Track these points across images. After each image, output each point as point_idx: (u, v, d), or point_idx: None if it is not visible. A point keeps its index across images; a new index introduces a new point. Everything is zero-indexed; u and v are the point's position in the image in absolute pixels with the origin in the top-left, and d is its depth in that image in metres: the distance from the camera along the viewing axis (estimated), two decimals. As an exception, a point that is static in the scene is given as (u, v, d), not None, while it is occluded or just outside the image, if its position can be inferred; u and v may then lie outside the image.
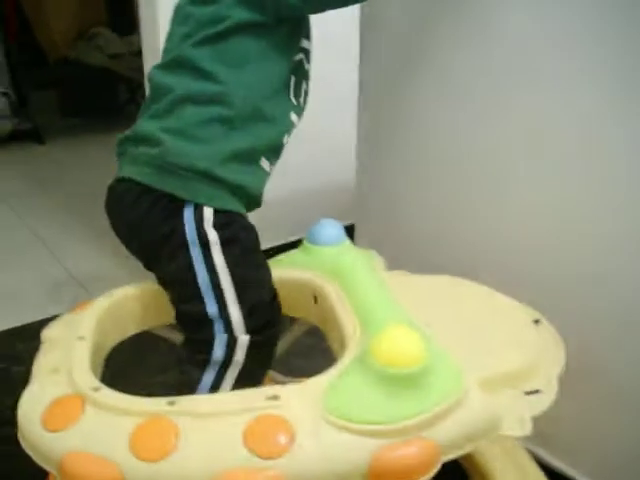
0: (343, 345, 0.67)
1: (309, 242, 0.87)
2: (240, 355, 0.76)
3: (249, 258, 0.79)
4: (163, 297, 0.82)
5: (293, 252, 0.89)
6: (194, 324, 0.78)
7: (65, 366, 0.65)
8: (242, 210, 0.81)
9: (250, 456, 0.54)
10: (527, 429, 0.61)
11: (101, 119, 3.12)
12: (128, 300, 0.82)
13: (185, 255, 0.75)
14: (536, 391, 0.66)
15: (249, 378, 0.77)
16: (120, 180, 0.81)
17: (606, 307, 0.86)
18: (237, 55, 0.78)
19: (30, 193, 2.31)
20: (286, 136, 0.85)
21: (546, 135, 0.86)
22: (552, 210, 0.89)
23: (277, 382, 0.93)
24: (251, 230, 0.82)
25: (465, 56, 0.93)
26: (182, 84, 0.78)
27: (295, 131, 0.87)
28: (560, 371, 0.70)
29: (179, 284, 0.78)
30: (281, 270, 0.84)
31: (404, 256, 0.95)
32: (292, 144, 0.87)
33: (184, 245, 0.75)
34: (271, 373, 0.91)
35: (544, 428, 0.63)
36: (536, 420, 0.62)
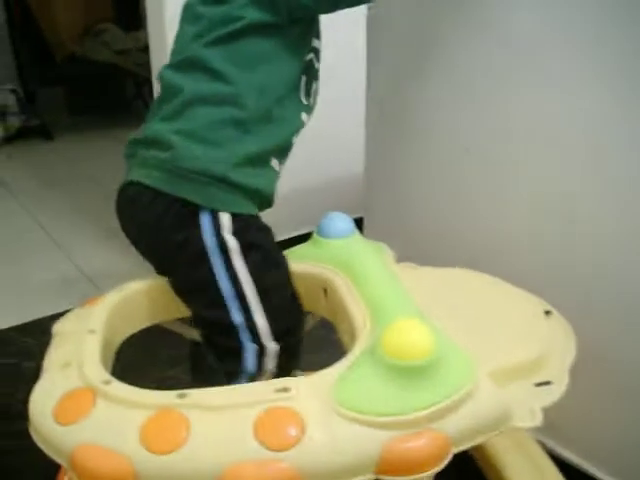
0: (353, 337, 0.67)
1: (319, 235, 0.87)
2: (271, 364, 0.77)
3: (269, 262, 0.79)
4: (173, 292, 0.83)
5: (303, 245, 0.88)
6: (219, 331, 0.78)
7: (76, 360, 0.65)
8: (256, 212, 0.80)
9: (260, 448, 0.53)
10: (538, 420, 0.60)
11: (108, 115, 3.13)
12: (138, 294, 0.82)
13: (206, 264, 0.75)
14: (547, 382, 0.66)
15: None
16: (130, 183, 0.80)
17: (611, 299, 0.86)
18: (249, 56, 0.77)
19: (39, 189, 2.32)
20: (295, 136, 0.84)
21: (552, 131, 0.86)
22: (558, 204, 0.88)
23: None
24: (267, 231, 0.81)
25: (471, 54, 0.93)
26: (193, 85, 0.77)
27: (303, 124, 0.86)
28: (571, 362, 0.70)
29: (201, 293, 0.78)
30: (291, 263, 0.83)
31: (412, 249, 0.95)
32: (300, 138, 0.87)
33: (204, 254, 0.75)
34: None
35: (554, 419, 0.62)
36: (546, 411, 0.62)
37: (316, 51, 0.86)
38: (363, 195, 1.23)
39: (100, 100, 3.17)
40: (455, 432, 0.57)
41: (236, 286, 0.75)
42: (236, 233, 0.75)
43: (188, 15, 0.83)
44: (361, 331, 0.66)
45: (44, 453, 0.60)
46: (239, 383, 0.76)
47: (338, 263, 0.82)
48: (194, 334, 0.88)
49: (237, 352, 0.76)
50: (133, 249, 0.83)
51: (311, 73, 0.85)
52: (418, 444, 0.55)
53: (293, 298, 0.82)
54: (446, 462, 0.57)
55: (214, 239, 0.75)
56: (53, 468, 0.79)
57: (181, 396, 0.58)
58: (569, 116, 0.84)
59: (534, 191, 0.91)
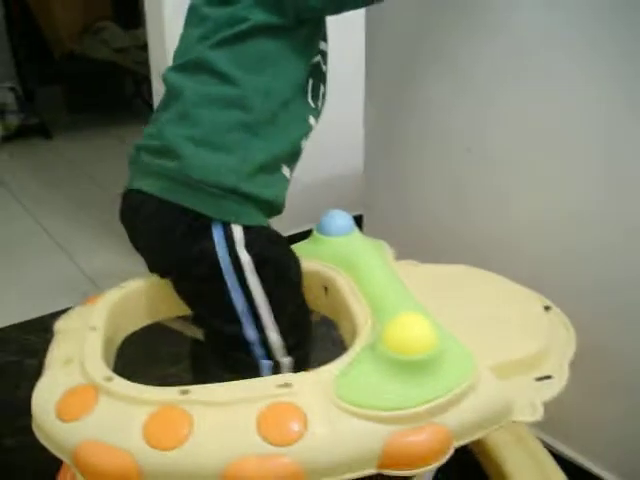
0: (355, 334, 0.67)
1: (319, 233, 0.87)
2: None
3: (282, 276, 0.79)
4: (174, 290, 0.83)
5: (303, 243, 0.88)
6: (234, 346, 0.77)
7: (78, 357, 0.65)
8: (266, 222, 0.80)
9: (263, 443, 0.54)
10: (539, 414, 0.61)
11: (107, 113, 3.12)
12: (139, 292, 0.82)
13: (220, 280, 0.74)
14: (547, 377, 0.66)
15: None
16: (134, 191, 0.79)
17: (611, 296, 0.86)
18: (255, 57, 0.76)
19: (39, 187, 2.32)
20: (304, 140, 0.83)
21: (552, 131, 0.87)
22: (558, 203, 0.89)
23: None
24: (279, 242, 0.81)
25: (472, 52, 0.94)
26: (198, 87, 0.76)
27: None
28: (571, 356, 0.70)
29: (214, 307, 0.77)
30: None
31: (412, 247, 0.95)
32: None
33: (217, 270, 0.74)
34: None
35: (553, 415, 0.63)
36: (545, 407, 0.62)
37: (323, 54, 0.85)
38: (363, 193, 1.23)
39: (99, 98, 3.16)
40: (456, 426, 0.57)
41: (250, 302, 0.75)
42: (249, 246, 0.75)
43: (193, 17, 0.82)
44: (362, 327, 0.66)
45: (46, 450, 0.60)
46: None
47: (339, 261, 0.82)
48: (195, 332, 0.88)
49: (253, 367, 0.76)
50: (131, 247, 0.83)
51: (319, 76, 0.84)
52: (420, 438, 0.56)
53: (304, 310, 0.82)
54: (448, 456, 0.57)
55: (227, 255, 0.74)
56: (55, 465, 0.79)
57: (184, 392, 0.58)
58: (571, 115, 0.84)
59: (534, 189, 0.91)
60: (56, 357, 0.68)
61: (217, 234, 0.74)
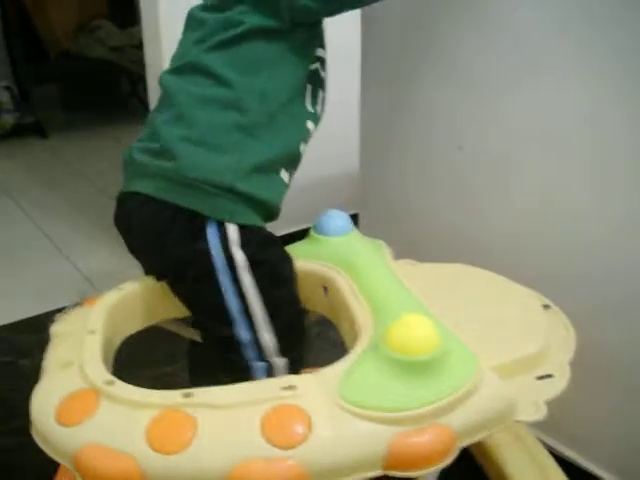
0: (356, 335, 0.67)
1: (317, 232, 0.87)
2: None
3: (276, 277, 0.78)
4: (171, 292, 0.82)
5: (300, 243, 0.88)
6: (227, 348, 0.77)
7: (77, 360, 0.64)
8: (262, 224, 0.80)
9: (268, 446, 0.53)
10: (542, 413, 0.61)
11: (103, 112, 3.11)
12: (137, 294, 0.81)
13: (214, 281, 0.74)
14: (548, 375, 0.66)
15: None
16: (130, 194, 0.78)
17: (612, 296, 0.86)
18: (250, 60, 0.77)
19: (34, 187, 2.31)
20: (303, 145, 0.83)
21: (545, 128, 0.87)
22: (551, 200, 0.89)
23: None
24: (274, 244, 0.81)
25: (465, 51, 0.94)
26: (195, 88, 0.77)
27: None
28: (571, 355, 0.70)
29: (208, 308, 0.77)
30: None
31: (407, 245, 0.95)
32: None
33: (212, 270, 0.74)
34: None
35: (554, 417, 0.63)
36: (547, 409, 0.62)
37: (322, 61, 0.85)
38: (358, 191, 1.23)
39: (95, 97, 3.15)
40: (460, 426, 0.57)
41: (244, 302, 0.75)
42: (244, 246, 0.75)
43: (191, 22, 0.83)
44: (364, 328, 0.66)
45: (44, 453, 0.60)
46: None
47: (338, 261, 0.81)
48: (191, 334, 0.88)
49: (247, 369, 0.76)
50: (129, 251, 0.83)
51: (317, 82, 0.84)
52: (424, 439, 0.55)
53: (299, 312, 0.82)
54: (453, 456, 0.57)
55: (222, 255, 0.74)
56: (52, 466, 0.78)
57: (186, 395, 0.57)
58: (564, 112, 0.84)
59: (528, 187, 0.92)
60: (54, 361, 0.67)
61: (212, 233, 0.74)
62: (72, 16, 2.92)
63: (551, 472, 0.86)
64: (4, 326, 1.41)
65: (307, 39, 0.81)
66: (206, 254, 0.74)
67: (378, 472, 0.55)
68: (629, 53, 0.76)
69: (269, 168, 0.79)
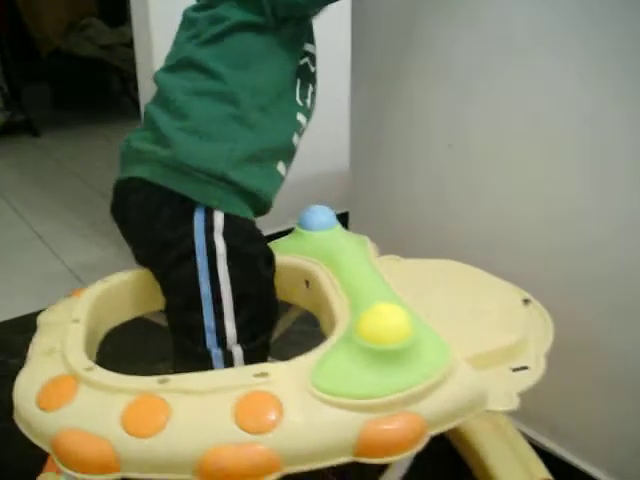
0: (334, 326, 0.68)
1: (301, 227, 0.88)
2: (237, 366, 0.77)
3: (253, 273, 0.79)
4: (158, 284, 0.84)
5: (285, 238, 0.90)
6: (188, 334, 0.78)
7: (59, 348, 0.66)
8: (251, 216, 0.81)
9: (239, 432, 0.55)
10: (514, 404, 0.62)
11: (94, 110, 3.12)
12: (123, 286, 0.83)
13: (192, 263, 0.76)
14: (523, 367, 0.67)
15: None
16: (126, 180, 0.81)
17: (600, 294, 0.87)
18: (239, 55, 0.79)
19: (25, 185, 2.32)
20: (295, 136, 0.85)
21: (534, 126, 0.88)
22: (540, 198, 0.90)
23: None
24: (258, 239, 0.82)
25: (455, 50, 0.95)
26: (189, 83, 0.79)
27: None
28: (548, 348, 0.71)
29: (181, 292, 0.78)
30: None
31: (397, 243, 0.96)
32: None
33: (192, 253, 0.76)
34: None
35: (529, 405, 0.64)
36: (523, 398, 0.63)
37: (311, 56, 0.88)
38: (348, 190, 1.24)
39: (86, 96, 3.16)
40: (431, 414, 0.58)
41: (215, 290, 0.76)
42: (227, 236, 0.76)
43: (184, 22, 0.86)
44: (340, 319, 0.67)
45: (32, 449, 0.60)
46: None
47: (320, 255, 0.83)
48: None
49: (204, 358, 0.76)
50: (120, 245, 0.84)
51: (307, 76, 0.87)
52: (394, 426, 0.56)
53: (270, 306, 0.82)
54: (423, 444, 0.58)
55: (204, 240, 0.76)
56: (41, 460, 0.80)
57: (162, 381, 0.59)
58: (553, 111, 0.85)
59: (517, 185, 0.92)
60: (38, 348, 0.69)
61: (198, 218, 0.76)
62: (62, 14, 2.93)
63: (532, 463, 0.87)
64: (-4, 325, 1.42)
65: (294, 34, 0.83)
66: (189, 237, 0.76)
67: (348, 458, 0.56)
68: (629, 52, 0.77)
69: (263, 158, 0.81)
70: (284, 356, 0.73)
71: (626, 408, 0.88)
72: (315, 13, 0.88)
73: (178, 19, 0.88)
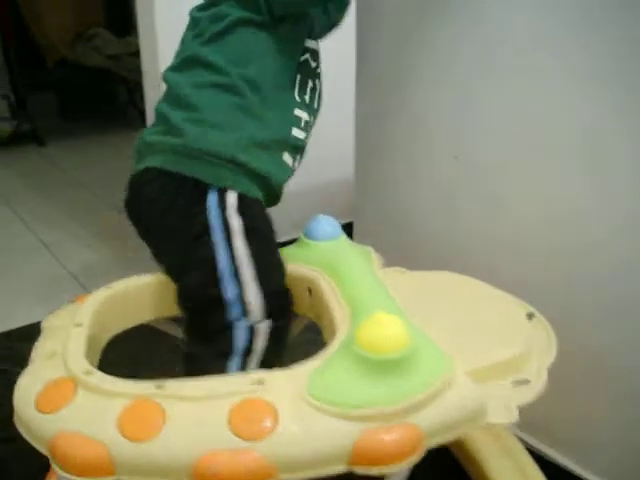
0: (334, 335, 0.68)
1: (306, 237, 0.89)
2: (260, 342, 0.77)
3: (269, 246, 0.82)
4: (163, 290, 0.84)
5: (290, 247, 0.90)
6: (211, 309, 0.77)
7: (61, 351, 0.66)
8: (262, 199, 0.84)
9: (234, 438, 0.55)
10: (513, 417, 0.61)
11: (101, 120, 3.13)
12: (127, 293, 0.84)
13: (208, 241, 0.77)
14: (525, 381, 0.67)
15: (267, 365, 0.76)
16: (140, 171, 0.84)
17: (602, 305, 0.87)
18: (238, 50, 0.83)
19: (31, 195, 2.32)
20: (295, 130, 0.87)
21: (540, 138, 0.87)
22: (547, 211, 0.90)
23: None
24: (270, 221, 0.84)
25: (461, 59, 0.95)
26: (195, 79, 0.83)
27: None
28: (550, 362, 0.71)
29: (198, 269, 0.79)
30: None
31: (402, 254, 0.97)
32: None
33: (207, 231, 0.77)
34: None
35: (538, 416, 0.63)
36: (525, 408, 0.62)
37: (312, 52, 0.90)
38: (353, 200, 1.24)
39: (92, 106, 3.17)
40: (428, 426, 0.58)
41: (235, 263, 0.77)
42: (241, 213, 0.79)
43: (190, 22, 0.89)
44: (340, 328, 0.67)
45: (36, 458, 0.61)
46: (231, 364, 0.76)
47: (324, 265, 0.83)
48: (181, 333, 0.89)
49: (228, 330, 0.76)
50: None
51: (306, 72, 0.89)
52: (390, 437, 0.56)
53: (285, 285, 0.83)
54: (420, 455, 0.57)
55: (219, 218, 0.78)
56: (46, 470, 0.80)
57: (159, 387, 0.59)
58: (560, 121, 0.85)
59: (524, 195, 0.92)
60: (40, 351, 0.69)
61: (212, 199, 0.79)
62: (69, 24, 2.94)
63: (530, 471, 0.86)
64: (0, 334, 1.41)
65: (293, 32, 0.86)
66: (204, 217, 0.78)
67: (344, 468, 0.56)
68: (627, 57, 0.77)
69: (269, 147, 0.84)
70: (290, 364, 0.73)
71: (627, 416, 0.87)
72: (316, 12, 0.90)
73: (184, 29, 0.90)
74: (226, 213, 0.78)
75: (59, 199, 2.26)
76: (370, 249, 0.90)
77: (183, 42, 0.90)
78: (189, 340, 0.82)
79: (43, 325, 0.77)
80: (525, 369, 0.69)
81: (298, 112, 0.88)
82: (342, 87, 1.16)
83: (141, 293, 0.85)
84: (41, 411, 0.60)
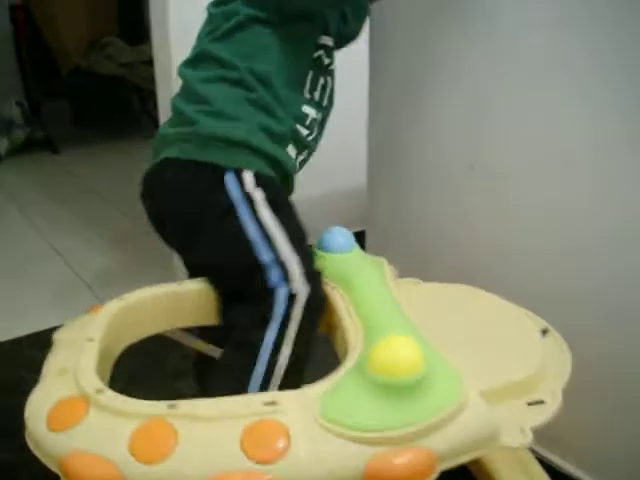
0: (346, 353, 0.68)
1: (319, 249, 0.88)
2: (298, 310, 0.76)
3: (293, 213, 0.83)
4: (176, 301, 0.84)
5: (303, 259, 0.89)
6: (249, 279, 0.77)
7: (72, 367, 0.66)
8: (277, 178, 0.85)
9: (246, 460, 0.54)
10: (528, 440, 0.60)
11: (114, 128, 3.14)
12: (140, 303, 0.83)
13: (234, 216, 0.78)
14: (539, 401, 0.66)
15: (304, 340, 0.76)
16: (158, 164, 0.85)
17: (609, 316, 0.86)
18: (247, 46, 0.84)
19: (45, 202, 2.33)
20: (302, 128, 0.88)
21: (557, 149, 0.87)
22: (562, 222, 0.90)
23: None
24: (287, 196, 0.87)
25: (476, 69, 0.95)
26: (207, 73, 0.85)
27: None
28: (565, 381, 0.70)
29: (229, 246, 0.80)
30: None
31: (414, 263, 0.96)
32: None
33: (231, 207, 0.78)
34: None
35: (547, 429, 0.63)
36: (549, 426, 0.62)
37: (326, 48, 0.90)
38: (366, 209, 1.24)
39: (105, 113, 3.19)
40: (441, 449, 0.57)
41: (265, 230, 0.78)
42: (260, 187, 0.80)
43: (207, 17, 0.91)
44: (353, 347, 0.67)
45: (44, 469, 0.60)
46: (271, 330, 0.75)
47: (338, 278, 0.82)
48: (197, 344, 0.89)
49: (269, 296, 0.76)
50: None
51: (318, 69, 0.90)
52: (403, 460, 0.56)
53: (312, 250, 0.83)
54: (433, 479, 0.57)
55: (240, 193, 0.79)
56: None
57: (171, 406, 0.58)
58: (575, 134, 0.85)
59: (537, 205, 0.92)
60: (52, 366, 0.69)
61: (229, 178, 0.80)
62: (83, 33, 2.95)
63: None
64: (12, 340, 1.42)
65: (304, 30, 0.87)
66: (225, 196, 0.79)
67: (356, 491, 0.56)
68: (637, 67, 0.77)
69: (278, 137, 0.85)
70: (308, 374, 0.73)
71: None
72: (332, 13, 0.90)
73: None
74: (245, 188, 0.79)
75: (72, 206, 2.27)
76: (383, 260, 0.89)
77: (199, 37, 0.91)
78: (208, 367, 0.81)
79: (55, 337, 0.76)
80: (539, 389, 0.68)
81: (307, 109, 0.89)
82: (354, 96, 1.16)
83: (153, 304, 0.84)
84: (52, 429, 0.60)
